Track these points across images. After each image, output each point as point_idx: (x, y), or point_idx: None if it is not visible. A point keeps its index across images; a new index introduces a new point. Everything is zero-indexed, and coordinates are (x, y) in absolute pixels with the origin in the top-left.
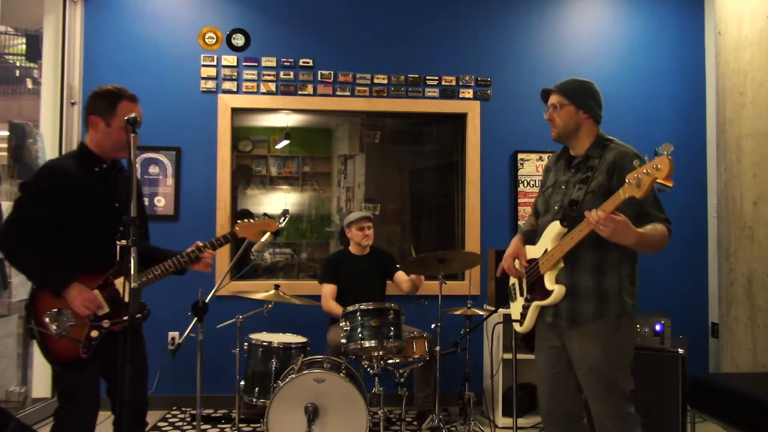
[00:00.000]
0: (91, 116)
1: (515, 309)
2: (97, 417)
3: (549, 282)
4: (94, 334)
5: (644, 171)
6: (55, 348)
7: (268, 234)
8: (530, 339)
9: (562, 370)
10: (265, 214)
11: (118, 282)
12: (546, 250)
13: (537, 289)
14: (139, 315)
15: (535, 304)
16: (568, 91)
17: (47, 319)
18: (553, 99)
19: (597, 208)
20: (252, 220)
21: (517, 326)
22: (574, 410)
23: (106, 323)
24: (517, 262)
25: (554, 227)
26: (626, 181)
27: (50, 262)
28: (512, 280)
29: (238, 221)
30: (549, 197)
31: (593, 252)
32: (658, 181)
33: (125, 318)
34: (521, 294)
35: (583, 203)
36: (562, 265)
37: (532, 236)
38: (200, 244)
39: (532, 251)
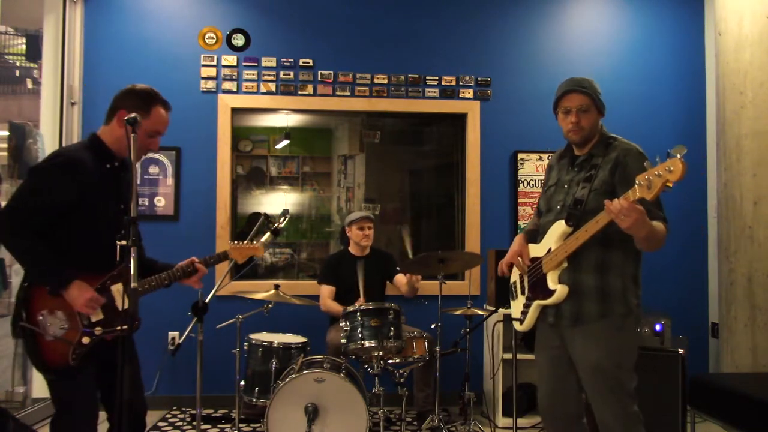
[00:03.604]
0: (121, 110)
1: (516, 307)
2: (96, 427)
3: (552, 282)
4: (86, 340)
5: (656, 173)
6: (45, 351)
7: (268, 234)
8: (530, 339)
9: (563, 371)
10: (266, 215)
11: (115, 288)
12: (549, 249)
13: (539, 288)
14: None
15: (537, 303)
16: (593, 93)
17: (41, 318)
18: (580, 101)
19: (605, 203)
20: (243, 243)
21: (517, 325)
22: (574, 410)
23: (98, 330)
24: (519, 259)
25: (559, 226)
26: (637, 182)
27: (51, 257)
28: (513, 278)
29: (232, 243)
30: (551, 196)
31: (597, 252)
32: (668, 183)
33: (118, 328)
34: (522, 293)
35: (587, 202)
36: (565, 265)
37: (534, 235)
38: (195, 259)
39: (535, 250)
